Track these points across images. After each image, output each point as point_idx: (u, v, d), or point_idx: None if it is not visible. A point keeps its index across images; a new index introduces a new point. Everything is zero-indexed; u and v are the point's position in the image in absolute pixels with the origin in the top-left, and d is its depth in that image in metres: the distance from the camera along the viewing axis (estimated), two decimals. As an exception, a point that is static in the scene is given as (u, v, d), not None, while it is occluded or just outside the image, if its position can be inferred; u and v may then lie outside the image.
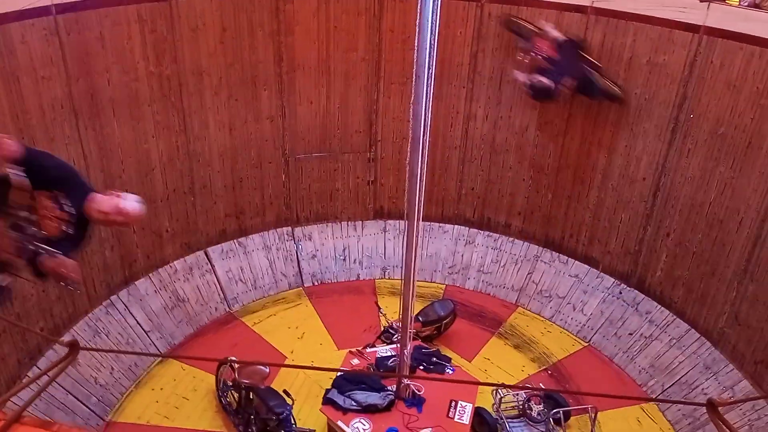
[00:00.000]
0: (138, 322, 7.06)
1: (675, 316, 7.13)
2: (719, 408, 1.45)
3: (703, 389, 6.55)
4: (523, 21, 7.07)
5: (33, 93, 5.58)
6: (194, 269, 7.77)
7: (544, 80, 6.59)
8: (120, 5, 6.12)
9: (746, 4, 6.35)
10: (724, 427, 1.45)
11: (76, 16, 5.77)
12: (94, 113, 6.22)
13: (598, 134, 7.34)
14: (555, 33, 6.74)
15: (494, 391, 6.24)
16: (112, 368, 6.59)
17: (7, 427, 1.26)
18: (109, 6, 6.02)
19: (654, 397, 6.91)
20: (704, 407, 1.51)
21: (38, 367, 6.01)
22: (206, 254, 7.91)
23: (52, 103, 5.79)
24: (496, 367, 7.18)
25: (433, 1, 4.18)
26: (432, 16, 4.22)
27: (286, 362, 7.09)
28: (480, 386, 6.34)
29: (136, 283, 7.21)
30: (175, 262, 7.62)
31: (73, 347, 1.41)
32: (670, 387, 6.82)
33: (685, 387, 6.70)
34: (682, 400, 6.43)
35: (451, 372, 6.08)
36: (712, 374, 6.57)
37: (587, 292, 7.87)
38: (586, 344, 7.65)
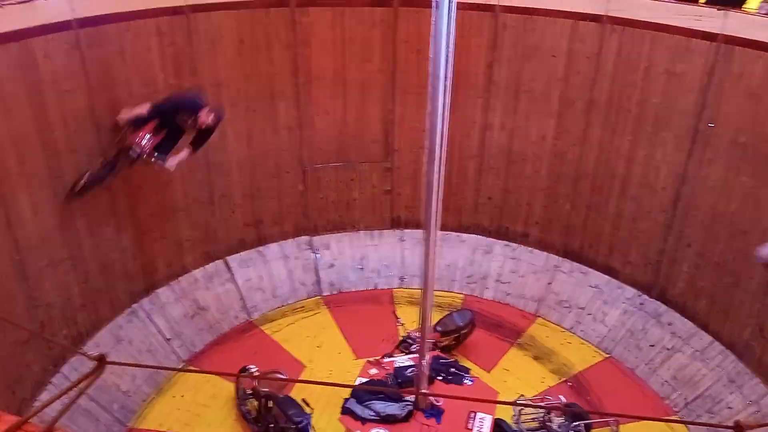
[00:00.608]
0: (159, 330, 7.15)
1: (698, 328, 7.01)
2: (746, 430, 1.43)
3: (727, 403, 6.43)
4: (85, 175, 5.99)
5: (56, 106, 5.71)
6: (214, 278, 7.86)
7: (207, 119, 6.03)
8: (139, 19, 6.24)
9: (764, 11, 6.27)
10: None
11: (97, 30, 5.89)
12: (116, 125, 6.33)
13: (617, 143, 7.29)
14: (135, 112, 6.08)
15: (514, 402, 6.19)
16: (135, 375, 6.67)
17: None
18: (129, 20, 6.15)
19: (677, 411, 6.78)
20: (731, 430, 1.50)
21: (63, 373, 6.11)
22: (226, 263, 7.99)
23: (75, 115, 5.92)
24: (516, 378, 7.12)
25: (448, 12, 4.21)
26: (447, 27, 4.25)
27: (305, 371, 7.11)
28: (500, 396, 6.30)
29: (157, 291, 7.30)
30: (195, 271, 7.71)
31: (101, 361, 1.45)
32: (693, 400, 6.70)
33: (708, 400, 6.58)
34: (708, 422, 6.29)
35: (470, 383, 6.06)
36: (736, 387, 6.45)
37: (608, 302, 7.79)
38: (607, 356, 7.56)
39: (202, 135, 6.19)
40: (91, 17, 5.80)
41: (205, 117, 5.97)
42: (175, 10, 6.50)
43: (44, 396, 5.85)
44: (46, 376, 5.98)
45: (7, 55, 5.14)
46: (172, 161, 6.11)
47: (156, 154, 6.02)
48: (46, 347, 5.96)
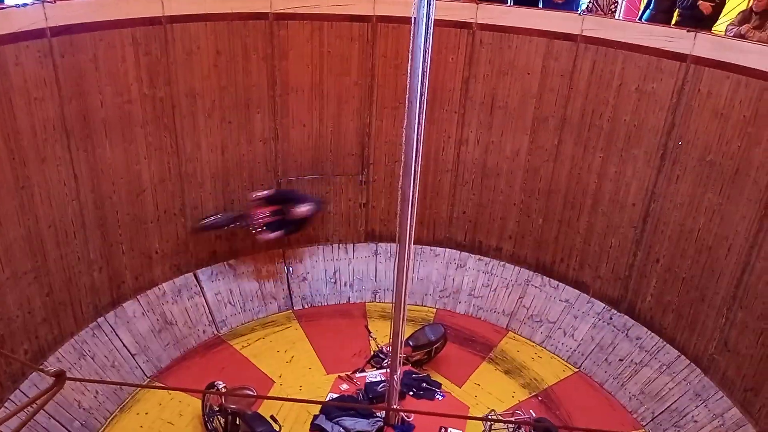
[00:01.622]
0: (124, 345, 6.96)
1: (665, 342, 7.13)
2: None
3: (693, 417, 6.53)
4: (212, 216, 7.61)
5: (25, 114, 5.57)
6: (183, 291, 7.71)
7: (302, 210, 7.55)
8: (115, 28, 6.15)
9: (732, 34, 6.48)
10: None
11: (71, 39, 5.79)
12: (86, 134, 6.21)
13: (588, 159, 7.42)
14: (263, 193, 7.69)
15: (485, 417, 6.17)
16: (97, 392, 6.47)
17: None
18: (103, 29, 6.06)
19: (644, 425, 6.86)
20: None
21: (21, 391, 5.89)
22: (195, 276, 7.85)
23: (44, 124, 5.78)
24: (487, 393, 7.12)
25: (426, 28, 4.25)
26: (425, 43, 4.28)
27: (274, 387, 7.00)
28: (471, 411, 6.29)
29: (123, 305, 7.12)
30: (163, 284, 7.56)
31: (60, 377, 1.39)
32: (660, 414, 6.79)
33: (675, 414, 6.67)
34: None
35: (441, 398, 6.03)
36: (702, 401, 6.55)
37: (578, 317, 7.87)
38: (577, 370, 7.62)
39: (297, 224, 7.62)
40: (65, 26, 5.70)
41: (301, 209, 7.49)
42: (152, 21, 6.43)
43: (1, 413, 5.63)
44: (5, 393, 5.76)
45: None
46: (266, 236, 7.51)
47: (263, 227, 7.50)
48: (4, 363, 5.74)
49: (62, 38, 5.70)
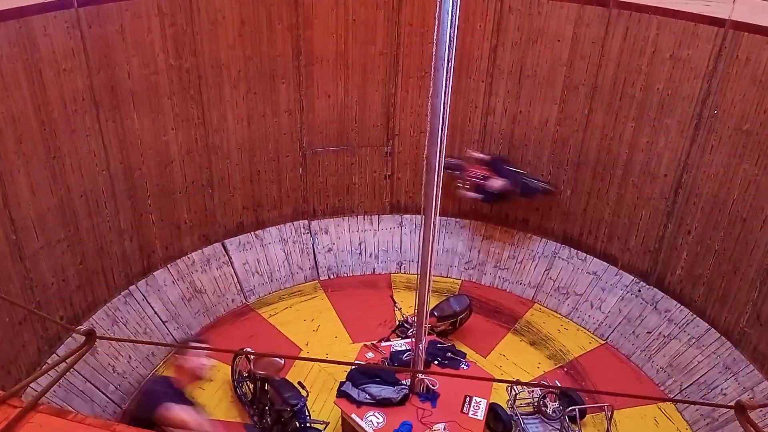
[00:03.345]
0: (156, 312, 7.14)
1: (695, 315, 7.01)
2: (749, 410, 1.41)
3: (722, 390, 6.44)
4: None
5: (55, 85, 5.65)
6: (212, 261, 7.84)
7: (495, 184, 7.61)
8: (140, -2, 6.16)
9: (774, -3, 6.20)
10: (753, 431, 1.41)
11: (98, 9, 5.81)
12: (115, 105, 6.28)
13: (619, 129, 7.23)
14: (479, 155, 7.89)
15: (509, 388, 6.20)
16: (130, 357, 6.68)
17: (24, 414, 1.28)
18: (130, -1, 6.07)
19: (672, 396, 6.81)
20: (732, 410, 1.47)
21: (57, 355, 6.11)
22: (224, 246, 7.97)
23: (74, 95, 5.86)
24: (512, 364, 7.14)
25: (453, -6, 4.14)
26: (452, 9, 4.18)
27: (301, 354, 7.12)
28: (495, 382, 6.31)
29: (154, 273, 7.29)
30: (192, 254, 7.69)
31: (90, 336, 1.42)
32: (688, 387, 6.72)
33: (703, 387, 6.60)
34: (710, 402, 6.31)
35: (466, 368, 6.06)
36: (731, 375, 6.46)
37: (605, 289, 7.78)
38: (603, 342, 7.57)
39: (494, 196, 7.70)
40: (91, -5, 5.72)
41: (493, 183, 7.55)
42: (176, -10, 6.42)
43: (42, 369, 5.85)
44: (42, 356, 5.97)
45: (6, 33, 5.08)
46: (467, 193, 7.82)
47: (468, 185, 7.70)
48: (41, 328, 5.95)
49: (89, 8, 5.72)
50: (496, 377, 6.57)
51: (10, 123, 5.32)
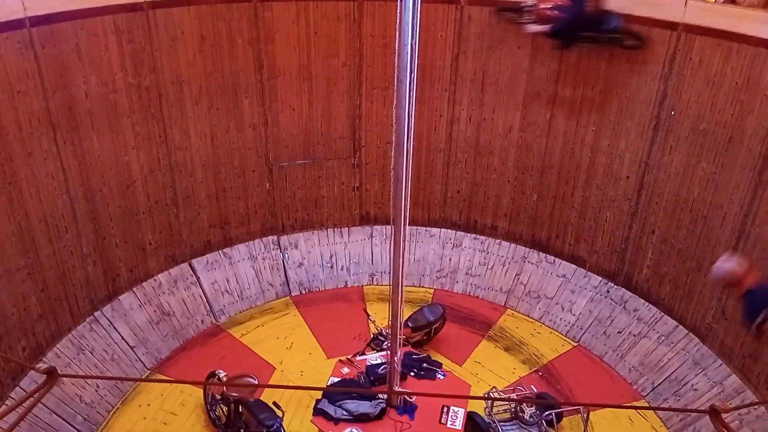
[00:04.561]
0: (123, 338, 6.93)
1: (663, 313, 7.16)
2: (722, 414, 1.42)
3: (692, 386, 6.58)
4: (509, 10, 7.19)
5: (9, 108, 5.46)
6: (179, 282, 7.66)
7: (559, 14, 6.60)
8: (96, 16, 6.01)
9: (722, 1, 6.41)
10: (726, 432, 1.42)
11: (51, 29, 5.66)
12: (73, 126, 6.11)
13: (581, 134, 7.37)
14: None
15: (486, 395, 6.20)
16: (98, 386, 6.46)
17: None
18: (84, 17, 5.91)
19: (644, 395, 6.92)
20: (707, 414, 1.48)
21: (21, 388, 5.87)
22: (191, 266, 7.81)
23: (29, 118, 5.67)
24: (487, 371, 7.15)
25: (413, 4, 4.16)
26: (412, 20, 4.19)
27: (276, 373, 7.00)
28: (473, 389, 6.32)
29: (120, 298, 7.08)
30: (159, 276, 7.51)
31: (51, 375, 1.35)
32: (659, 384, 6.84)
33: (675, 384, 6.72)
34: (682, 408, 6.40)
35: (442, 377, 6.04)
36: (701, 370, 6.60)
37: (575, 291, 7.89)
38: (576, 344, 7.66)
39: (568, 21, 6.57)
40: (44, 15, 5.55)
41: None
42: (133, 7, 6.28)
43: (2, 412, 5.60)
44: (5, 389, 5.72)
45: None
46: (534, 28, 6.76)
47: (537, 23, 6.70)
48: (3, 361, 5.70)
49: (42, 28, 5.56)
50: (473, 385, 6.56)
51: (-38, 148, 5.12)
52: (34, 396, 1.36)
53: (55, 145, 5.97)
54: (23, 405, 1.36)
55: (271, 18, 7.25)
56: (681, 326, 6.97)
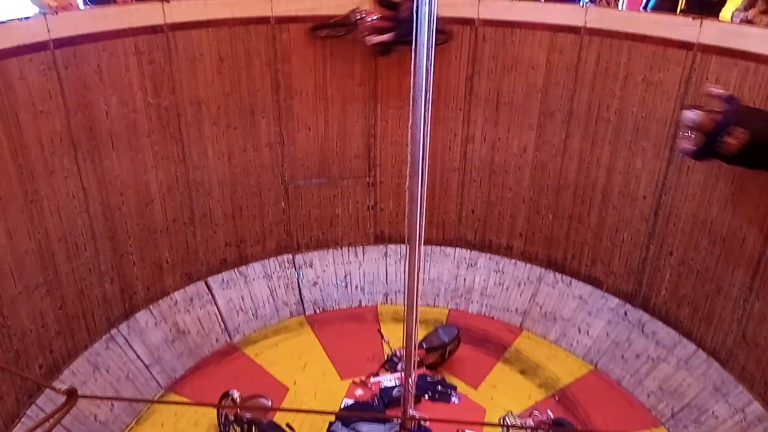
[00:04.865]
0: (138, 356, 6.96)
1: (682, 337, 7.02)
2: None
3: (713, 412, 6.42)
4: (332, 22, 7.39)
5: (31, 128, 5.58)
6: (195, 300, 7.69)
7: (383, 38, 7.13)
8: (117, 38, 6.15)
9: (738, 20, 6.39)
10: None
11: (74, 50, 5.79)
12: (93, 146, 6.22)
13: (597, 153, 7.34)
14: None
15: (501, 420, 6.11)
16: (112, 405, 6.47)
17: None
18: (106, 39, 6.05)
19: (664, 422, 6.77)
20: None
21: (38, 405, 5.90)
22: (207, 284, 7.84)
23: (51, 137, 5.78)
24: (503, 394, 7.05)
25: (428, 25, 4.20)
26: (427, 41, 4.24)
27: (289, 394, 6.97)
28: (488, 413, 6.23)
29: (136, 315, 7.12)
30: (175, 293, 7.55)
31: (71, 396, 1.36)
32: (680, 410, 6.68)
33: (695, 410, 6.57)
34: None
35: (456, 401, 5.97)
36: (722, 396, 6.44)
37: (592, 313, 7.78)
38: (593, 368, 7.54)
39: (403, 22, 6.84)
40: (67, 37, 5.70)
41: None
42: (154, 29, 6.42)
43: (19, 429, 5.63)
44: (21, 408, 5.76)
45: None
46: (376, 39, 7.09)
47: (373, 31, 7.07)
48: (20, 378, 5.74)
49: (65, 50, 5.70)
50: (488, 409, 6.47)
51: (-15, 167, 5.23)
52: (56, 417, 1.37)
53: (75, 164, 6.08)
54: (48, 423, 1.37)
55: (288, 39, 7.35)
56: (701, 350, 6.83)
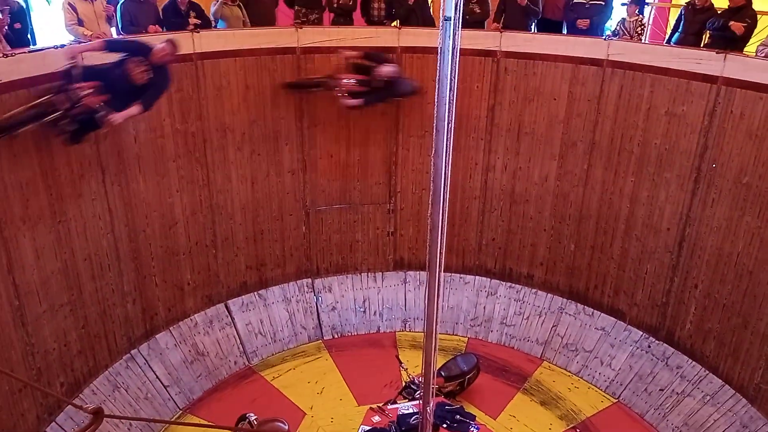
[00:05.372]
0: (157, 377, 7.01)
1: (707, 371, 6.86)
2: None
3: (741, 450, 6.23)
4: (305, 78, 7.51)
5: (62, 150, 5.74)
6: (214, 322, 7.75)
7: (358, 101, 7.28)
8: (148, 66, 6.34)
9: (763, 54, 6.37)
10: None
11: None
12: (121, 169, 6.37)
13: (619, 184, 7.30)
14: (350, 52, 7.32)
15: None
16: (130, 425, 6.50)
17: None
18: (138, 67, 6.24)
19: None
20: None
21: (57, 423, 5.96)
22: (226, 307, 7.90)
23: (80, 161, 5.95)
24: (523, 426, 6.93)
25: (452, 58, 4.27)
26: (451, 72, 4.30)
27: (306, 418, 6.94)
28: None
29: (156, 336, 7.19)
30: (195, 315, 7.62)
31: (98, 414, 1.40)
32: (706, 447, 6.51)
33: (722, 447, 6.39)
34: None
35: (476, 430, 5.88)
36: (750, 433, 6.26)
37: (615, 345, 7.65)
38: (616, 400, 7.38)
39: (380, 92, 7.22)
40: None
41: (384, 69, 7.02)
42: (183, 58, 6.60)
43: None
44: (41, 425, 5.83)
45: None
46: (349, 101, 7.13)
47: (347, 93, 7.09)
48: (41, 395, 5.82)
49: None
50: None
51: (17, 189, 5.38)
52: (81, 436, 1.41)
53: (103, 186, 6.23)
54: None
55: (313, 69, 7.51)
56: (727, 386, 6.66)
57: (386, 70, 7.19)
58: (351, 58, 7.35)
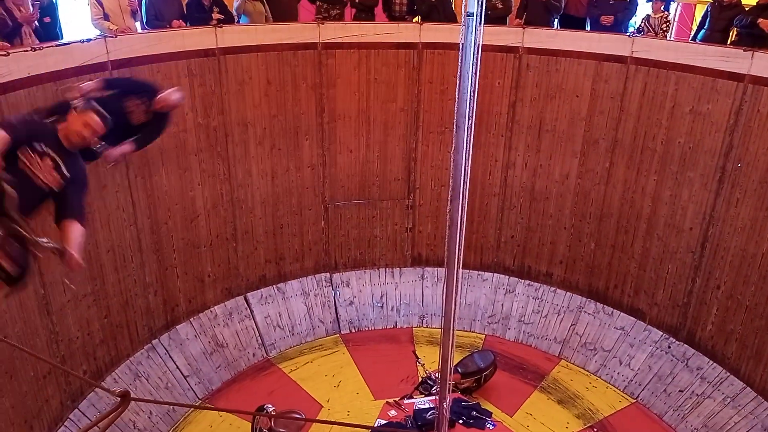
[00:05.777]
0: (177, 367, 7.12)
1: (729, 373, 6.77)
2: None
3: (762, 453, 6.15)
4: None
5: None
6: (234, 314, 7.84)
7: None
8: (171, 60, 6.43)
9: (792, 52, 6.25)
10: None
11: (130, 71, 6.07)
12: (144, 162, 6.47)
13: (642, 182, 7.22)
14: (85, 84, 5.18)
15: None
16: (151, 413, 6.62)
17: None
18: (161, 61, 6.33)
19: (709, 459, 6.50)
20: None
21: (80, 410, 6.09)
22: (246, 299, 7.99)
23: (106, 154, 6.04)
24: (539, 424, 6.91)
25: (474, 54, 4.26)
26: (472, 68, 4.29)
27: (322, 411, 6.99)
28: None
29: (177, 327, 7.30)
30: (215, 307, 7.72)
31: (125, 398, 1.44)
32: (726, 450, 6.42)
33: (742, 450, 6.31)
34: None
35: (492, 427, 5.89)
36: (772, 437, 6.17)
37: (634, 345, 7.58)
38: (634, 401, 7.32)
39: (154, 126, 5.43)
40: (125, 59, 5.99)
41: (167, 96, 5.29)
42: (206, 52, 6.70)
43: (62, 431, 5.82)
44: (65, 411, 5.96)
45: (43, 95, 5.30)
46: (113, 153, 5.16)
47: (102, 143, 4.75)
48: (65, 382, 5.95)
49: (122, 71, 5.98)
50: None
51: (45, 180, 5.48)
52: (110, 417, 1.45)
53: (126, 179, 6.34)
54: (101, 424, 1.45)
55: (333, 65, 7.54)
56: (749, 388, 6.57)
57: (171, 97, 5.39)
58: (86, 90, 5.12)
